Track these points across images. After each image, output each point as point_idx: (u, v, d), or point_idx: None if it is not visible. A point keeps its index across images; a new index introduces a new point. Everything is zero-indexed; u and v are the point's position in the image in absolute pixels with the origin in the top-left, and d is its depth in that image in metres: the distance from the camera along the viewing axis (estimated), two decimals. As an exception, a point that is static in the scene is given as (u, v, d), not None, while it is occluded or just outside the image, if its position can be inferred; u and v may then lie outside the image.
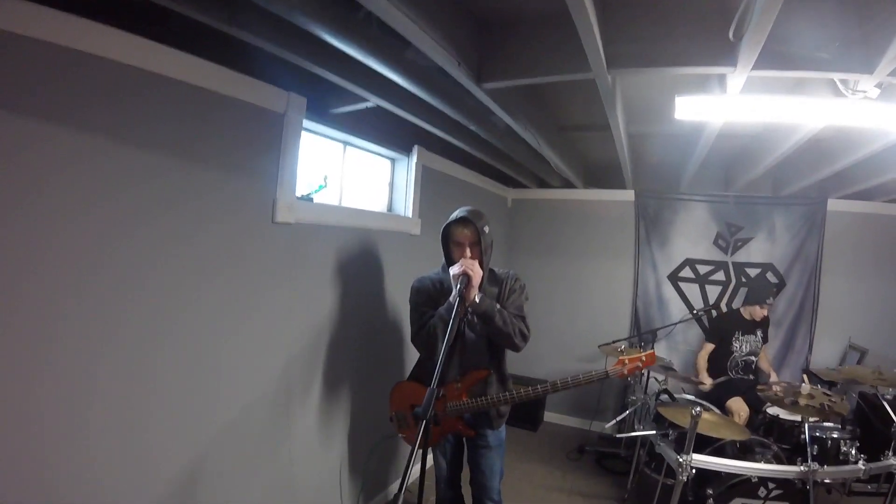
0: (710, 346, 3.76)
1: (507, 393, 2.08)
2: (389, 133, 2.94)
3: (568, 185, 4.64)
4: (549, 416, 4.78)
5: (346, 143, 2.76)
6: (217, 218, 1.89)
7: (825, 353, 4.06)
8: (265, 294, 2.11)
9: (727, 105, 1.91)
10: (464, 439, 2.30)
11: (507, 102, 2.27)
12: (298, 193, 2.26)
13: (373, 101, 2.25)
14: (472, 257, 2.02)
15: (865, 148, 2.66)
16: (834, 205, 4.07)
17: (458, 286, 1.89)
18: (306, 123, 2.34)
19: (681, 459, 2.42)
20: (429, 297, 2.16)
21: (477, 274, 1.94)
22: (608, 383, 4.45)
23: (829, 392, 2.56)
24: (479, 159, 3.61)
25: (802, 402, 2.51)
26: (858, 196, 3.95)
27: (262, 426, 2.15)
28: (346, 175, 2.78)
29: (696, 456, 2.44)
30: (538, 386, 2.05)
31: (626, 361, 2.05)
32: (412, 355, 2.35)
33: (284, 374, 2.24)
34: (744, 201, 4.24)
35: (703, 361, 3.72)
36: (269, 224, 2.11)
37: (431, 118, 2.54)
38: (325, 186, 2.40)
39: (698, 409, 2.36)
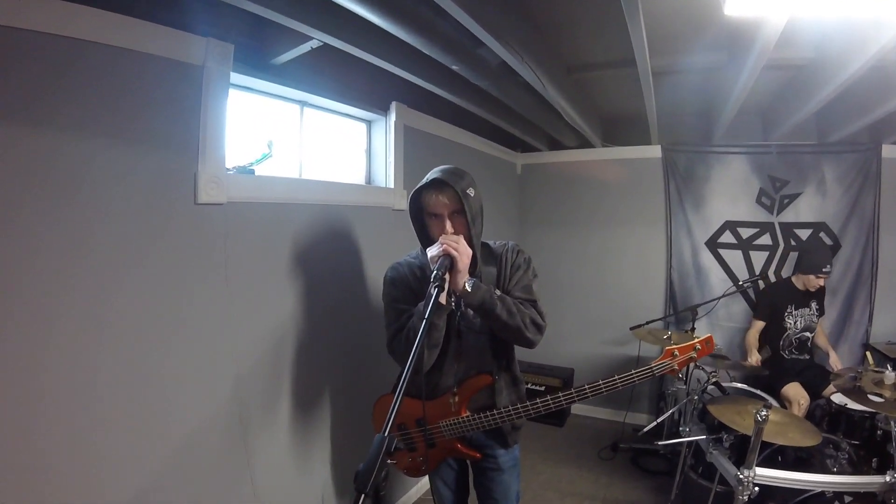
0: (760, 324, 3.22)
1: (521, 404, 1.57)
2: (359, 88, 2.41)
3: (584, 144, 4.08)
4: (577, 409, 4.27)
5: (302, 104, 2.25)
6: (122, 205, 1.43)
7: (887, 325, 3.46)
8: (195, 297, 1.64)
9: None
10: (467, 460, 1.83)
11: (493, 22, 1.71)
12: (231, 165, 1.76)
13: (317, 37, 1.73)
14: (454, 232, 1.51)
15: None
16: (889, 151, 3.43)
17: (438, 272, 1.37)
18: (240, 78, 1.85)
19: (742, 476, 1.91)
20: (409, 289, 1.65)
21: (464, 253, 1.43)
22: (643, 364, 3.91)
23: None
24: (476, 117, 3.06)
25: (887, 393, 1.96)
26: None
27: (211, 462, 1.71)
28: (306, 142, 2.27)
29: (760, 470, 1.92)
30: (561, 395, 1.54)
31: (677, 353, 1.54)
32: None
33: (236, 393, 1.78)
34: (788, 150, 3.60)
35: (753, 340, 3.16)
36: (192, 206, 1.63)
37: (399, 58, 2.01)
38: (270, 155, 1.90)
39: (764, 412, 1.83)
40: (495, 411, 1.58)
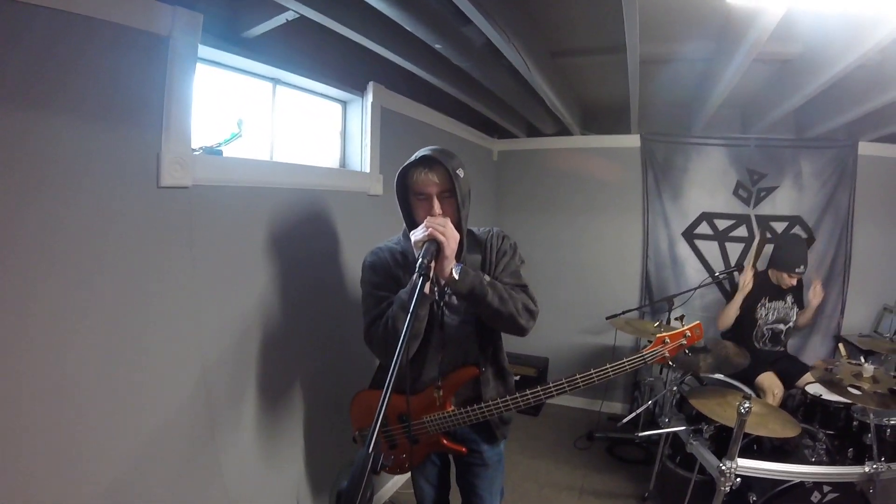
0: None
1: (510, 396, 1.50)
2: (335, 66, 2.28)
3: (562, 131, 4.04)
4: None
5: (275, 81, 2.10)
6: (76, 189, 1.28)
7: (858, 318, 3.58)
8: (157, 288, 1.50)
9: None
10: (449, 455, 1.76)
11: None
12: (197, 145, 1.62)
13: (293, 9, 1.60)
14: (442, 214, 1.42)
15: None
16: (866, 148, 3.50)
17: (424, 258, 1.27)
18: (209, 52, 1.70)
19: (724, 467, 1.91)
20: (389, 275, 1.55)
21: (451, 238, 1.34)
22: (618, 354, 3.94)
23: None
24: (455, 101, 2.96)
25: (865, 386, 1.98)
26: (891, 139, 3.40)
27: (179, 460, 1.59)
28: (278, 122, 2.13)
29: (742, 461, 1.93)
30: (551, 384, 1.49)
31: (668, 340, 1.51)
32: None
33: (202, 388, 1.66)
34: (766, 144, 3.63)
35: (727, 324, 3.15)
36: (154, 189, 1.48)
37: (380, 34, 1.89)
38: (240, 135, 1.76)
39: (747, 404, 1.83)
40: (482, 404, 1.52)
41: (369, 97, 2.47)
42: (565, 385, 1.47)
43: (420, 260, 1.27)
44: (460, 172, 1.43)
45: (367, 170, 2.52)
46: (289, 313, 2.00)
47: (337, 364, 2.31)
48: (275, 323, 1.94)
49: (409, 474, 1.81)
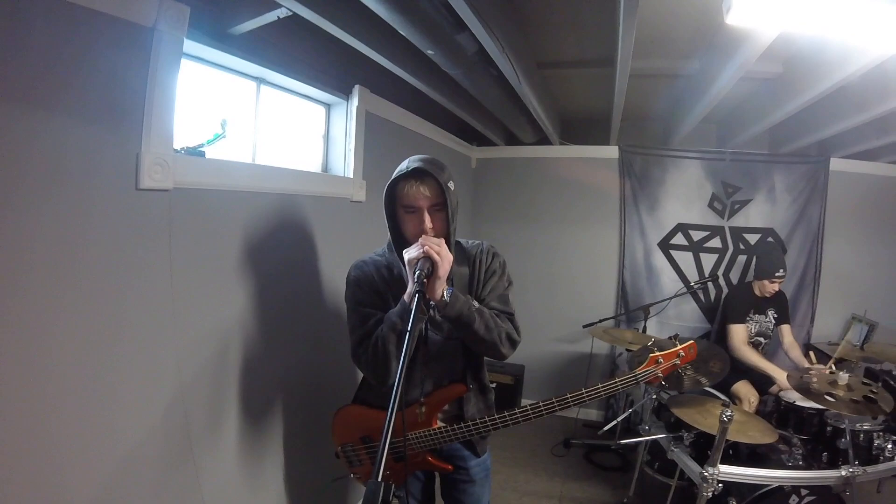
0: (740, 328, 3.09)
1: (498, 415, 1.47)
2: (322, 68, 2.22)
3: (542, 141, 4.07)
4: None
5: (259, 81, 2.03)
6: (48, 187, 1.18)
7: (827, 327, 3.72)
8: (134, 297, 1.41)
9: (801, 6, 1.30)
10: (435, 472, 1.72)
11: (480, 6, 1.59)
12: (179, 146, 1.54)
13: (286, 6, 1.54)
14: (433, 228, 1.37)
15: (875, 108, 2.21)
16: (837, 164, 3.67)
17: (419, 276, 1.23)
18: (194, 47, 1.62)
19: (706, 473, 1.94)
20: (374, 291, 1.50)
21: (445, 259, 1.28)
22: (594, 362, 4.00)
23: (868, 382, 2.12)
24: (436, 107, 2.94)
25: (840, 393, 2.05)
26: (861, 156, 3.58)
27: (154, 485, 1.49)
28: (261, 124, 2.06)
29: (724, 468, 1.96)
30: (541, 402, 1.45)
31: (661, 360, 1.51)
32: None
33: (178, 403, 1.57)
34: (741, 158, 3.76)
35: (751, 352, 2.99)
36: (132, 192, 1.39)
37: (372, 37, 1.85)
38: (224, 136, 1.68)
39: (729, 412, 1.87)
40: (470, 423, 1.47)
41: (355, 101, 2.42)
42: (555, 404, 1.44)
43: (416, 278, 1.23)
44: (451, 185, 1.39)
45: (351, 175, 2.47)
46: (269, 324, 1.92)
47: (318, 378, 2.24)
48: (254, 335, 1.86)
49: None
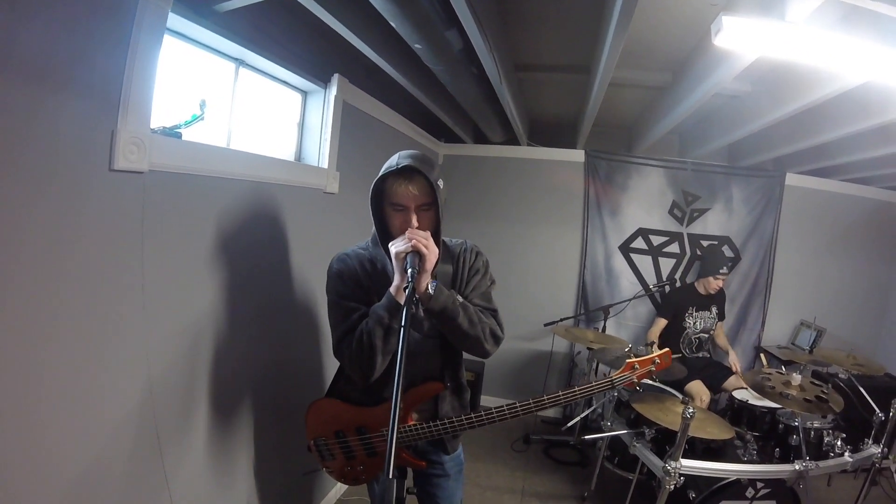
0: (662, 322, 3.51)
1: (473, 413, 1.48)
2: (302, 53, 2.16)
3: (509, 141, 4.11)
4: (487, 401, 4.28)
5: (239, 62, 1.94)
6: (11, 164, 1.07)
7: (777, 331, 3.98)
8: (103, 286, 1.32)
9: (787, 35, 1.38)
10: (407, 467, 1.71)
11: (475, 3, 1.58)
12: (156, 125, 1.46)
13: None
14: (419, 227, 1.36)
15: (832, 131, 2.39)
16: (792, 179, 3.93)
17: (412, 273, 1.22)
18: (175, 22, 1.53)
19: (669, 467, 2.03)
20: (357, 284, 1.47)
21: (433, 252, 1.29)
22: (554, 360, 4.09)
23: (819, 383, 2.28)
24: (408, 100, 2.92)
25: (794, 393, 2.20)
26: (815, 173, 3.85)
27: (122, 484, 1.40)
28: (237, 107, 1.97)
29: (684, 461, 2.06)
30: (517, 403, 1.46)
31: (637, 366, 1.56)
32: (334, 358, 1.65)
33: (147, 397, 1.48)
34: (701, 169, 3.95)
35: (653, 336, 3.44)
36: (105, 173, 1.29)
37: (358, 24, 1.81)
38: (202, 117, 1.60)
39: (692, 409, 1.96)
40: (447, 421, 1.48)
41: (333, 90, 2.36)
42: (532, 405, 1.46)
43: (409, 270, 1.22)
44: (440, 183, 1.38)
45: (325, 165, 2.41)
46: (240, 317, 1.85)
47: (289, 371, 2.18)
48: (225, 327, 1.78)
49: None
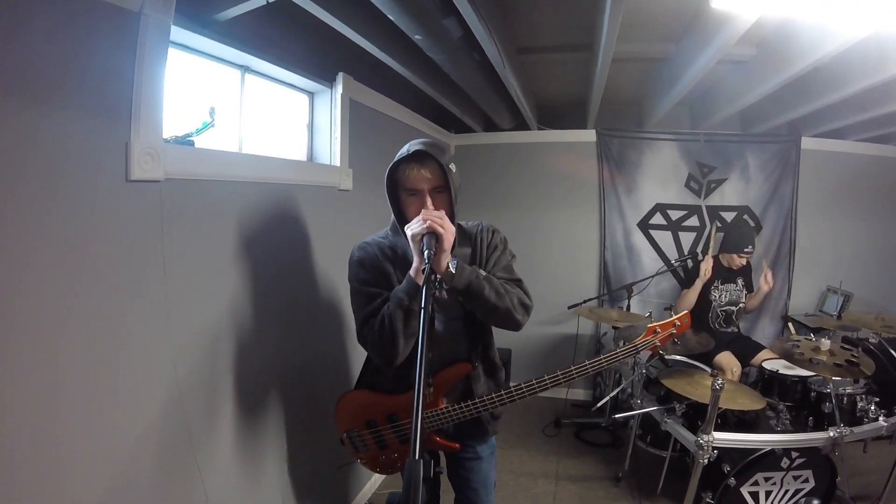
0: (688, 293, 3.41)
1: (504, 390, 1.48)
2: (305, 55, 2.19)
3: (520, 126, 4.09)
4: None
5: (244, 69, 1.98)
6: (38, 182, 1.13)
7: (803, 299, 3.88)
8: (126, 293, 1.37)
9: None
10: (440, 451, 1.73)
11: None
12: (168, 135, 1.50)
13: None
14: (436, 209, 1.37)
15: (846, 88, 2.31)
16: (808, 143, 3.82)
17: (428, 250, 1.22)
18: (179, 34, 1.57)
19: (702, 441, 2.01)
20: (380, 272, 1.49)
21: (449, 230, 1.29)
22: (580, 342, 4.07)
23: (849, 347, 2.22)
24: (416, 94, 2.93)
25: (824, 358, 2.15)
26: (830, 135, 3.73)
27: (155, 481, 1.45)
28: (246, 112, 2.01)
29: (717, 434, 2.04)
30: (546, 377, 1.46)
31: (658, 329, 1.55)
32: (359, 350, 1.67)
33: (175, 396, 1.53)
34: (714, 139, 3.87)
35: (690, 294, 3.28)
36: (123, 183, 1.34)
37: (358, 21, 1.83)
38: (212, 124, 1.64)
39: (721, 381, 1.94)
40: (477, 400, 1.48)
41: (339, 88, 2.39)
42: (560, 377, 1.45)
43: (426, 251, 1.23)
44: (453, 167, 1.39)
45: (337, 163, 2.44)
46: (262, 315, 1.89)
47: (314, 365, 2.23)
48: (248, 326, 1.83)
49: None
